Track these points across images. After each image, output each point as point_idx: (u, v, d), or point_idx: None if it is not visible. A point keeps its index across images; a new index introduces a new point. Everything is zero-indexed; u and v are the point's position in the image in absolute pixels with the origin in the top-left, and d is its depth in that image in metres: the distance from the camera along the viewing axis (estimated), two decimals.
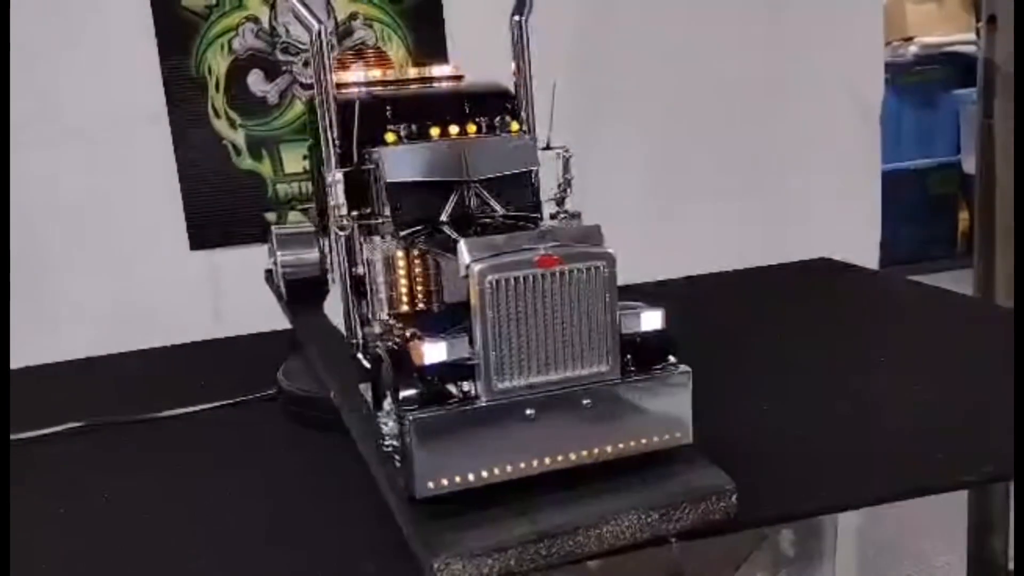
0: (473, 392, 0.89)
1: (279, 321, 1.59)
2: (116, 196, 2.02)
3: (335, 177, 1.07)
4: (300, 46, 2.10)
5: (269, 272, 1.79)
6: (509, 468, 0.89)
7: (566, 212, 1.08)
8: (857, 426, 1.21)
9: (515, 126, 1.15)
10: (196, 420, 1.43)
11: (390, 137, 1.09)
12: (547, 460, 0.90)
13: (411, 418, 0.86)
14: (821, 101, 2.32)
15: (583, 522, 0.88)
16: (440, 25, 2.16)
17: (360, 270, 1.14)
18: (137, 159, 2.04)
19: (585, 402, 0.91)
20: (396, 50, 2.15)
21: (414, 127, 1.10)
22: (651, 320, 0.95)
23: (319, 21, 1.09)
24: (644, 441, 0.94)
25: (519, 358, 0.89)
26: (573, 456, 0.91)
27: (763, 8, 2.26)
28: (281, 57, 2.10)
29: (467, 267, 0.88)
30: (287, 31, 2.09)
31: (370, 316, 1.13)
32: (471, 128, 1.13)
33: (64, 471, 1.27)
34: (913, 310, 1.70)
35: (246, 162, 2.11)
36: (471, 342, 0.88)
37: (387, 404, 0.92)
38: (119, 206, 2.03)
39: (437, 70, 1.30)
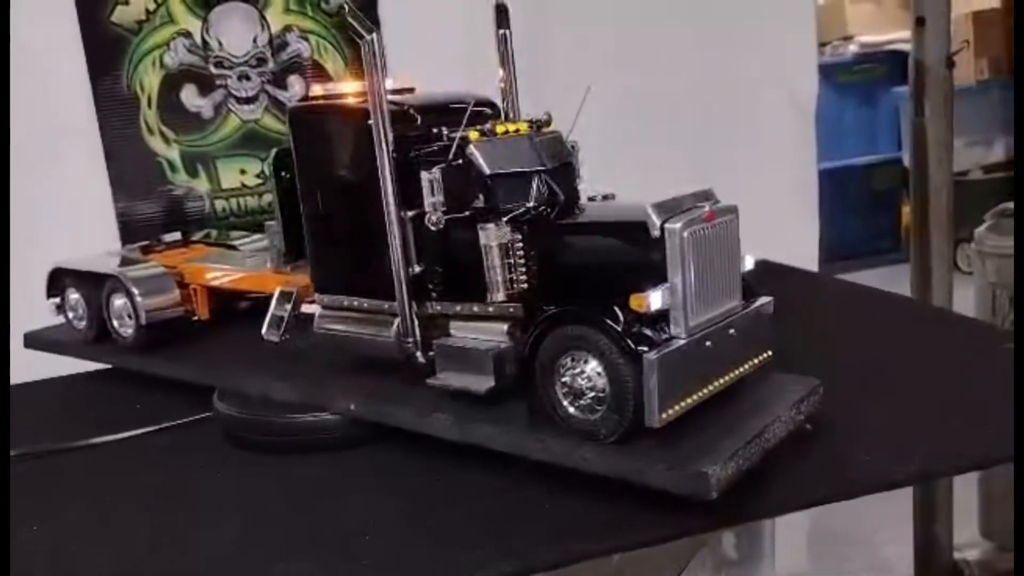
0: (669, 332, 1.04)
1: None
2: (48, 216, 1.98)
3: (433, 175, 1.15)
4: (234, 59, 2.08)
5: (36, 334, 1.76)
6: (701, 392, 1.06)
7: (603, 194, 1.20)
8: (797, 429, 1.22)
9: (552, 124, 1.27)
10: (134, 446, 1.40)
11: (474, 135, 1.18)
12: (720, 381, 1.09)
13: (651, 358, 0.99)
14: (756, 104, 2.35)
15: (765, 423, 1.07)
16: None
17: (416, 268, 1.21)
18: (69, 178, 2.00)
19: (731, 331, 1.09)
20: (333, 62, 2.14)
21: (491, 125, 1.20)
22: (750, 262, 1.15)
23: (369, 31, 1.16)
24: (758, 359, 1.15)
25: (701, 298, 1.05)
26: (731, 375, 1.11)
27: (696, 13, 2.28)
28: (215, 71, 2.07)
29: (660, 226, 1.03)
30: (220, 45, 2.07)
31: (479, 304, 1.18)
32: (523, 127, 1.23)
33: None
34: (848, 312, 1.73)
35: (181, 178, 2.08)
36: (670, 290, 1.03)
37: (572, 360, 1.05)
38: (52, 226, 1.99)
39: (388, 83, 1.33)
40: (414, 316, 1.23)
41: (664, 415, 1.01)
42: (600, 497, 1.05)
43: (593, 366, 1.05)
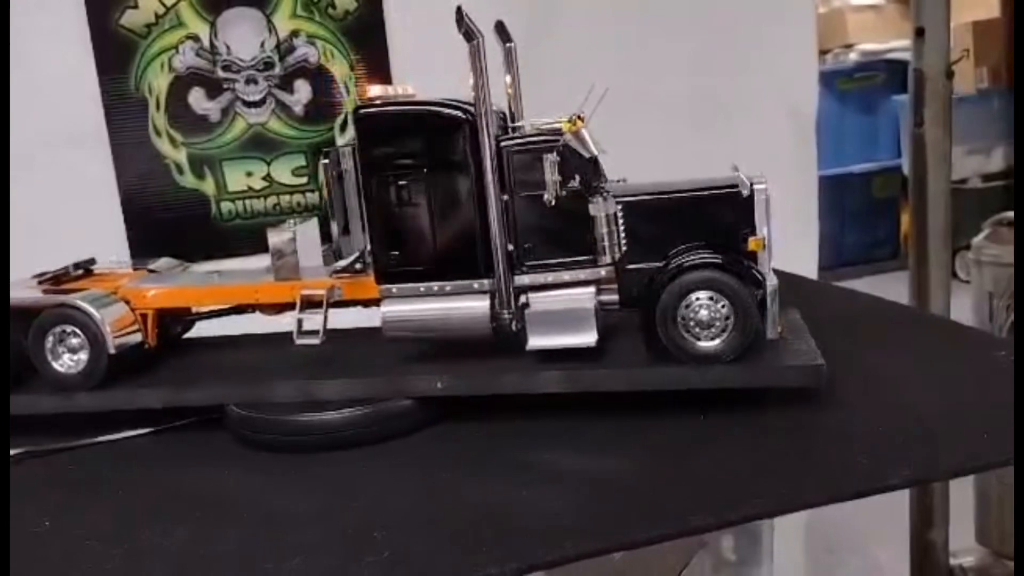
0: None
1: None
2: (57, 217, 2.00)
3: (553, 157, 1.32)
4: (241, 63, 2.10)
5: None
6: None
7: (619, 179, 1.42)
8: (794, 432, 1.25)
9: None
10: (138, 444, 1.42)
11: (568, 126, 1.35)
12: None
13: (774, 285, 1.28)
14: (757, 110, 2.37)
15: (807, 337, 1.36)
16: (383, 42, 2.17)
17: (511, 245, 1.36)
18: (77, 179, 2.02)
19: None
20: (340, 67, 2.16)
21: (573, 117, 1.36)
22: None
23: (481, 35, 1.32)
24: None
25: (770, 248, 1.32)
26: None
27: (696, 20, 2.31)
28: (222, 75, 2.10)
29: (750, 188, 1.30)
30: (228, 49, 2.09)
31: (570, 272, 1.37)
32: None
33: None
34: (846, 318, 1.74)
35: (188, 180, 2.11)
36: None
37: (697, 298, 1.29)
38: (60, 227, 2.00)
39: (398, 89, 1.45)
40: (512, 289, 1.37)
41: (778, 329, 1.30)
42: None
43: (718, 299, 1.29)
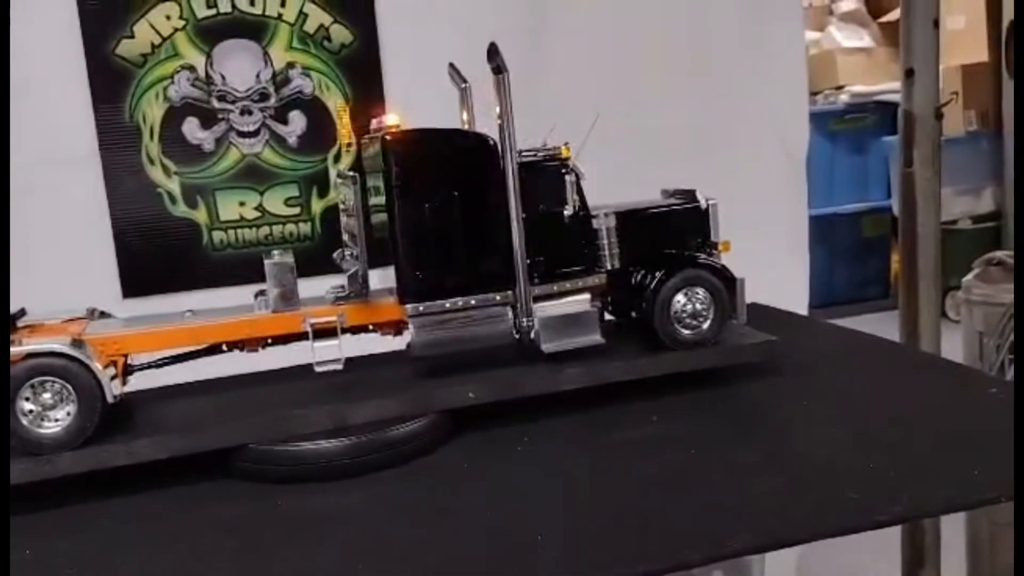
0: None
1: (213, 368, 1.57)
2: (48, 244, 2.00)
3: (572, 178, 1.52)
4: (236, 94, 2.11)
5: None
6: None
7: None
8: (771, 465, 1.24)
9: None
10: (127, 477, 1.40)
11: (565, 152, 1.53)
12: None
13: (742, 279, 1.55)
14: (748, 150, 2.38)
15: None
16: (378, 74, 2.19)
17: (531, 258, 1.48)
18: (69, 207, 2.02)
19: None
20: (335, 99, 2.17)
21: (566, 144, 1.54)
22: None
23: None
24: None
25: None
26: None
27: (689, 61, 2.33)
28: (217, 105, 2.10)
29: (707, 203, 1.64)
30: (223, 79, 2.10)
31: (571, 281, 1.54)
32: None
33: None
34: (838, 355, 1.74)
35: (181, 209, 2.10)
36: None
37: (686, 295, 1.53)
38: (51, 254, 2.00)
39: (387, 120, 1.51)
40: (528, 297, 1.49)
41: (744, 315, 1.57)
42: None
43: (702, 293, 1.53)
